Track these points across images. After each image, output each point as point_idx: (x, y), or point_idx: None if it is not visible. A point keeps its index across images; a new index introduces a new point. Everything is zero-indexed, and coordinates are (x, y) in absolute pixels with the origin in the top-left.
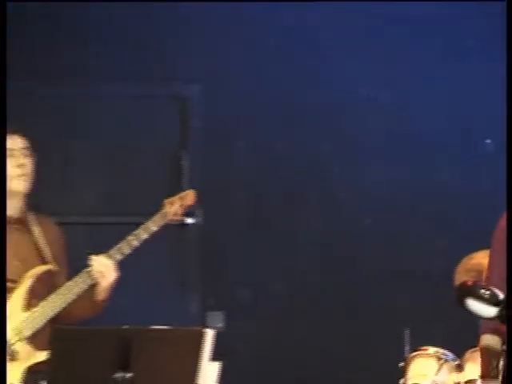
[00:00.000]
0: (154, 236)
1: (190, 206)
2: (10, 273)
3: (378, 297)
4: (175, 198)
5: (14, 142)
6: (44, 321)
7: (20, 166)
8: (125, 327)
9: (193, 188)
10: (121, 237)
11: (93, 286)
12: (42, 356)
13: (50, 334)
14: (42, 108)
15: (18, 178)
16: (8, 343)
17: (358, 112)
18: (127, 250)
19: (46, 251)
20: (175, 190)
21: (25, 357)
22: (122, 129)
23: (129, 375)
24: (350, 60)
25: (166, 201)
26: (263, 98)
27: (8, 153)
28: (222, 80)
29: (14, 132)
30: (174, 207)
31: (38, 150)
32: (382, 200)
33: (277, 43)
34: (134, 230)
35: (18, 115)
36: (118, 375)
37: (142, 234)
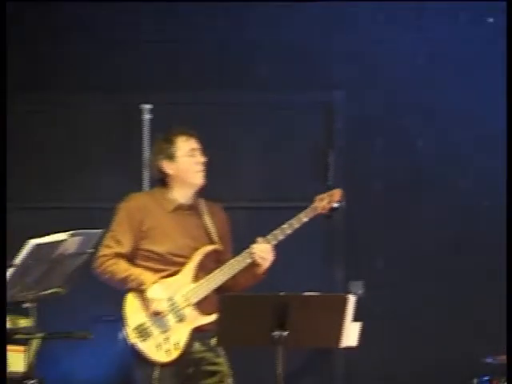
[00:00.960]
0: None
1: (337, 202)
2: (182, 250)
3: (488, 270)
4: (325, 195)
5: (193, 144)
6: (208, 291)
7: (198, 163)
8: (282, 293)
9: (336, 180)
10: (276, 219)
11: (253, 263)
12: (207, 319)
13: (219, 301)
14: (217, 113)
15: (197, 173)
16: (178, 308)
17: (485, 108)
18: (281, 237)
19: (214, 232)
20: (322, 182)
21: (191, 319)
22: (280, 130)
23: (285, 333)
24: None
25: (317, 197)
26: (398, 100)
27: (189, 153)
28: (363, 85)
29: (191, 136)
30: (323, 203)
31: (212, 147)
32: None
33: (414, 50)
34: (287, 214)
35: (196, 120)
36: (276, 333)
37: (295, 223)
